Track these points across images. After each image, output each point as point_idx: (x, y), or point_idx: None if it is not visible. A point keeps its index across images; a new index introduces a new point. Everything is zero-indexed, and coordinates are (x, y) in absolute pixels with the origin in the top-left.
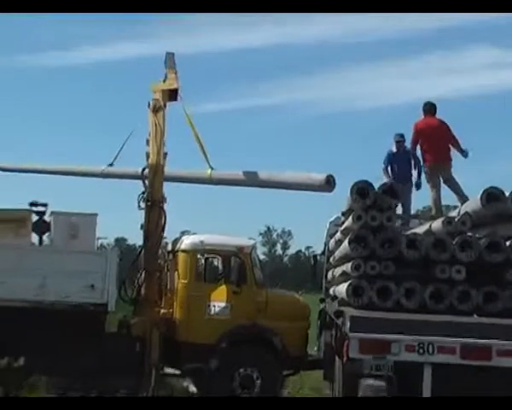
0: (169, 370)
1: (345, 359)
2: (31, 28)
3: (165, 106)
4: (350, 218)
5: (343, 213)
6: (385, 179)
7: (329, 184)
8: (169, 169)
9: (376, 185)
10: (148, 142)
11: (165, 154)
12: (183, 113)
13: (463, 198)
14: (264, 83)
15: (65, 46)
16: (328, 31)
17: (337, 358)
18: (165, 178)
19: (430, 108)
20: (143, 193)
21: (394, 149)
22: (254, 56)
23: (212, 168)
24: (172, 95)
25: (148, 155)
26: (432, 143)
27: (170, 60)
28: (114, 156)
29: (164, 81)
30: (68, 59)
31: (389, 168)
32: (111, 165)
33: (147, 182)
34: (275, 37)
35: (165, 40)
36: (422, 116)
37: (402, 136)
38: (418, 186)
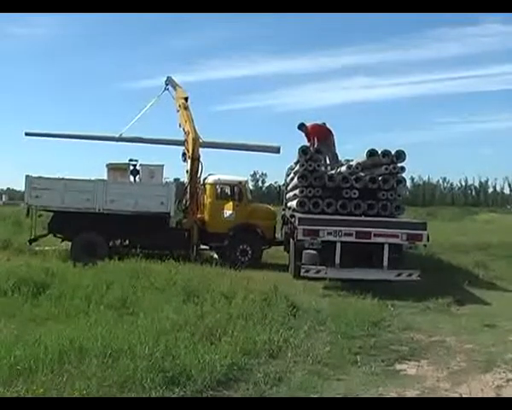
0: (203, 246)
1: (295, 240)
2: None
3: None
4: (298, 165)
5: (294, 163)
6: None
7: (279, 149)
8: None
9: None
10: (180, 125)
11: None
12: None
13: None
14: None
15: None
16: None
17: (291, 239)
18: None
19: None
20: (184, 154)
21: None
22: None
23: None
24: (187, 99)
25: (186, 133)
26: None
27: (171, 80)
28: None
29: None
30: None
31: None
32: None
33: (186, 145)
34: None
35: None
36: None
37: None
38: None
